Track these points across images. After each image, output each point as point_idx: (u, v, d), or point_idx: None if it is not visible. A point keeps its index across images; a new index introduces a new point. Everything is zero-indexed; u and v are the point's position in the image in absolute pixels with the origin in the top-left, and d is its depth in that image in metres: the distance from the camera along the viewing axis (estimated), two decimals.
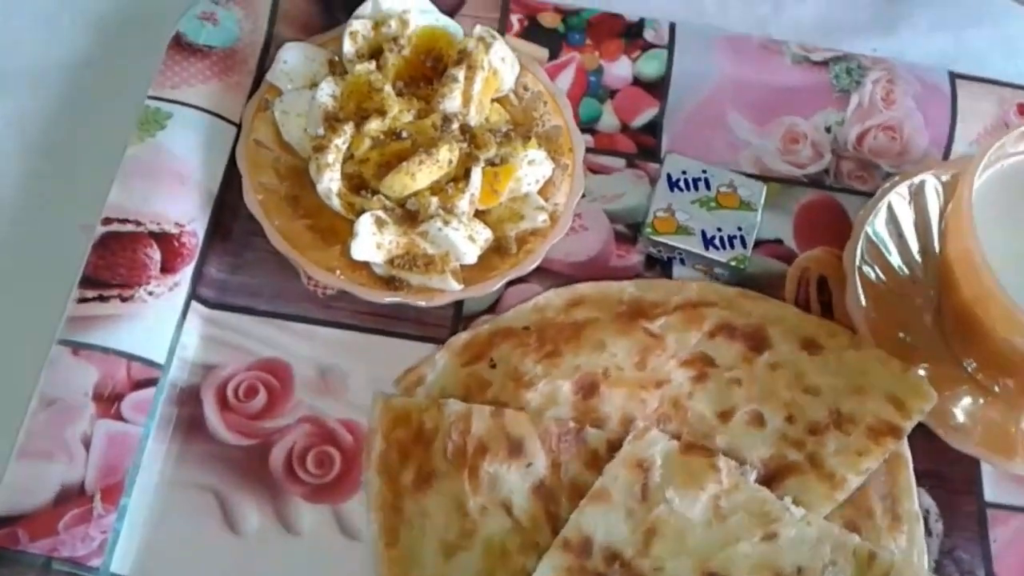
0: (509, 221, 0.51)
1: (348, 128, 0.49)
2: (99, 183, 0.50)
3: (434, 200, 0.49)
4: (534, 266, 0.50)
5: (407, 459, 0.45)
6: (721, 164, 0.56)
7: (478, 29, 0.53)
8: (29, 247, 0.51)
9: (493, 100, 0.54)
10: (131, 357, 0.45)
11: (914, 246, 0.52)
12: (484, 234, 0.50)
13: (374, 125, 0.50)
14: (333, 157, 0.49)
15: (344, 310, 0.50)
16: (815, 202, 0.56)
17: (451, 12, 0.57)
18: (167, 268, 0.48)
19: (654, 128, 0.57)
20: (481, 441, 0.44)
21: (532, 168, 0.52)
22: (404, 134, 0.50)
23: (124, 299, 0.47)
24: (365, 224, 0.48)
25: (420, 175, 0.49)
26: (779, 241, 0.55)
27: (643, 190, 0.55)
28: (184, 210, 0.49)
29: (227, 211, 0.51)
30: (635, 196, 0.55)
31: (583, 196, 0.54)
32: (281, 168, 0.51)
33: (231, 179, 0.51)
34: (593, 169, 0.56)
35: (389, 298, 0.48)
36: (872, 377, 0.47)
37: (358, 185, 0.50)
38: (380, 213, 0.49)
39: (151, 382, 0.46)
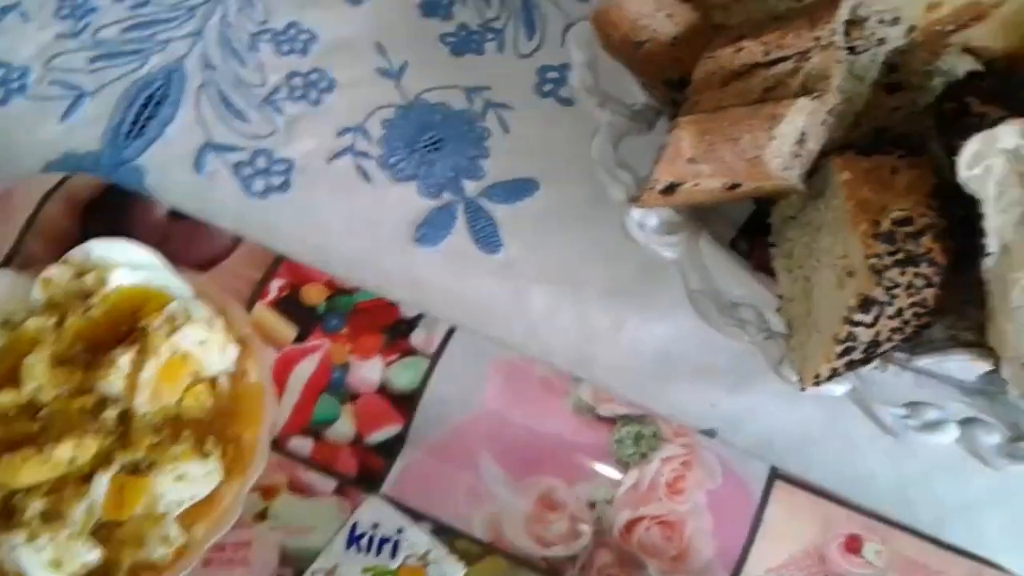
0: (130, 545, 0.42)
1: None
2: None
3: (38, 503, 0.41)
4: None
5: None
6: (452, 518, 0.45)
7: (171, 306, 0.45)
8: None
9: (201, 382, 0.47)
10: None
11: None
12: (86, 557, 0.41)
13: (4, 398, 0.43)
14: None
15: None
16: None
17: (208, 264, 0.50)
18: None
19: (391, 450, 0.47)
20: None
21: (178, 485, 0.43)
22: (43, 413, 0.43)
23: None
24: None
25: (23, 473, 0.41)
26: None
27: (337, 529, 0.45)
28: None
29: None
30: (324, 535, 0.45)
31: (264, 520, 0.45)
32: None
33: None
34: (296, 487, 0.46)
35: None
36: None
37: None
38: None
39: None
